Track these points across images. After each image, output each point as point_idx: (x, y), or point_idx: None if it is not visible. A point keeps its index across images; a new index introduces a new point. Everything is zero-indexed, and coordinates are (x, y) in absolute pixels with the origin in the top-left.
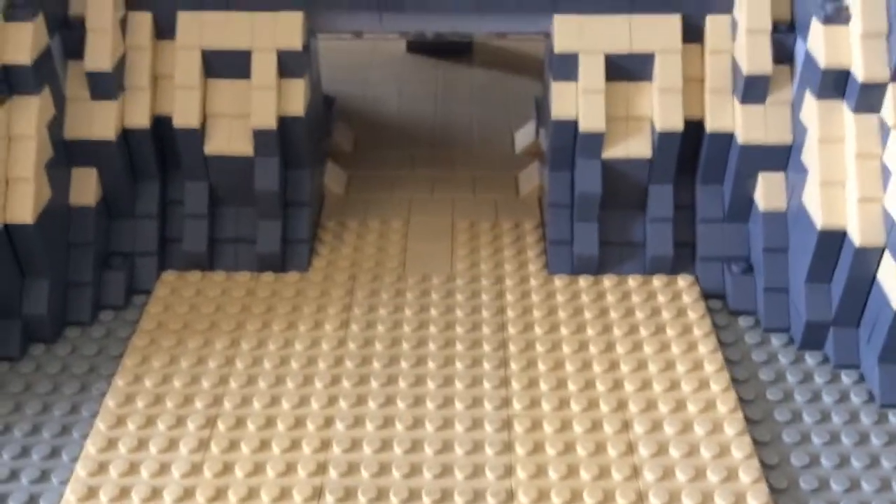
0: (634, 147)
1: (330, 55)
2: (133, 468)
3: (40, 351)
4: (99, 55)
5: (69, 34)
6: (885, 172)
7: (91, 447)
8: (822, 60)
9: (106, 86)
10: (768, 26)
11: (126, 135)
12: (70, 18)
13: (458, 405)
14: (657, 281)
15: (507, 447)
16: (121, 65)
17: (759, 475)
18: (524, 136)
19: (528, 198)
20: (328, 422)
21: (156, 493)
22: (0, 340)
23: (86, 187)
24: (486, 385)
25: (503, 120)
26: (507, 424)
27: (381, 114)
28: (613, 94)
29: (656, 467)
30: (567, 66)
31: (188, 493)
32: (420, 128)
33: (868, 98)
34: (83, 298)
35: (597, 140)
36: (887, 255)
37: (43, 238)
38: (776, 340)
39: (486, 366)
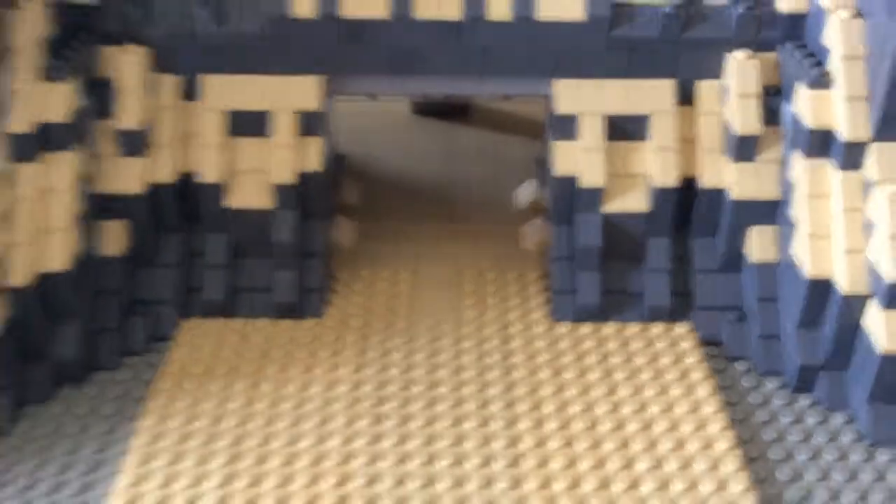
0: (632, 202)
1: (339, 117)
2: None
3: (69, 393)
4: (128, 115)
5: (100, 94)
6: (868, 225)
7: (122, 483)
8: (810, 122)
9: (134, 143)
10: (758, 90)
11: (152, 189)
12: (100, 80)
13: (468, 444)
14: (656, 328)
15: (517, 482)
16: (148, 123)
17: None
18: (524, 193)
19: (530, 251)
20: (346, 458)
21: None
22: (31, 383)
23: (114, 239)
24: (495, 426)
25: (502, 178)
26: (515, 462)
27: (386, 171)
28: (612, 153)
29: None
30: (567, 127)
31: None
32: (424, 184)
33: (852, 156)
34: (109, 344)
35: (596, 195)
36: (872, 302)
37: (75, 286)
38: (770, 384)
39: (494, 407)
